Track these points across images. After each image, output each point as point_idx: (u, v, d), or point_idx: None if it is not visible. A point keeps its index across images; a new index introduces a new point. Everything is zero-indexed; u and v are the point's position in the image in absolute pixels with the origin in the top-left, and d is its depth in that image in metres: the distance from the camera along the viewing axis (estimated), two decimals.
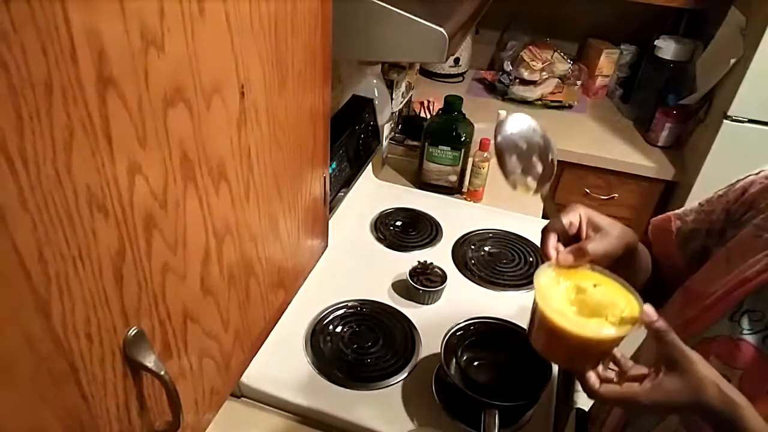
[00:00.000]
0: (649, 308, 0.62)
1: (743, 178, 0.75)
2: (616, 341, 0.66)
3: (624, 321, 0.65)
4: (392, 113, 1.67)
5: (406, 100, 1.79)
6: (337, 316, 1.18)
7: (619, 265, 0.84)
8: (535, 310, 0.71)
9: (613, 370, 0.67)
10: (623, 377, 0.64)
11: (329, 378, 1.04)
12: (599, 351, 0.67)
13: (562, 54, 2.10)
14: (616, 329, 0.65)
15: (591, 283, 0.72)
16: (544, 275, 0.74)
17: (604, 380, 0.65)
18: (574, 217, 0.74)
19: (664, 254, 0.84)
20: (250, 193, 0.58)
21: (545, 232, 0.73)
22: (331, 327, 1.15)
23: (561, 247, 0.73)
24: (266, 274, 0.67)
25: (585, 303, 0.69)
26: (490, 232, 1.47)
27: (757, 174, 0.73)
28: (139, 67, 0.38)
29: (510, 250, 1.41)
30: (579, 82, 2.13)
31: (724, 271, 0.67)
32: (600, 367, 0.67)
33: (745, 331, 0.63)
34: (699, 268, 0.77)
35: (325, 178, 0.80)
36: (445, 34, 0.88)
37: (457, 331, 1.08)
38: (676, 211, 0.85)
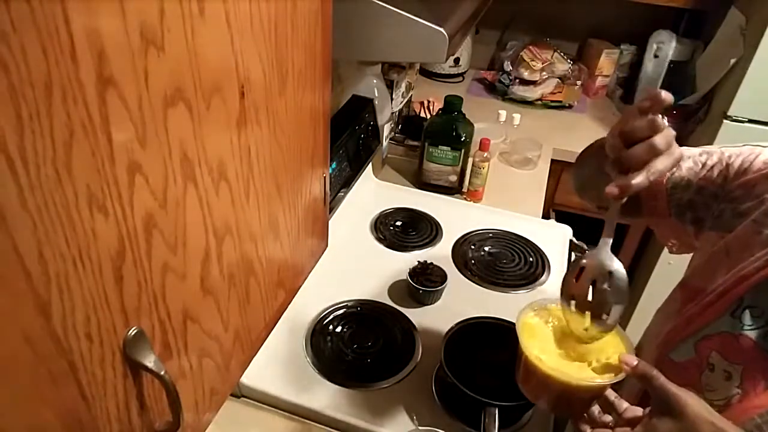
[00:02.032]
0: (625, 356, 0.62)
1: (747, 147, 0.71)
2: (601, 388, 0.64)
3: (609, 368, 0.64)
4: (392, 113, 1.67)
5: (406, 100, 1.79)
6: (337, 316, 1.18)
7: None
8: (519, 350, 0.69)
9: (609, 414, 0.66)
10: (619, 421, 0.64)
11: (329, 378, 1.04)
12: (585, 397, 0.66)
13: (562, 54, 2.10)
14: (600, 377, 0.64)
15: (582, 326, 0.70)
16: (531, 312, 0.72)
17: (601, 425, 0.65)
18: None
19: (650, 194, 0.80)
20: (250, 193, 0.58)
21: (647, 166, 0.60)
22: (331, 327, 1.15)
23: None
24: (266, 274, 0.67)
25: (572, 345, 0.68)
26: (490, 232, 1.47)
27: (763, 147, 0.70)
28: (139, 67, 0.38)
29: (510, 250, 1.41)
30: (579, 82, 2.13)
31: (724, 266, 0.67)
32: (596, 410, 0.67)
33: (746, 327, 0.63)
34: (679, 217, 0.76)
35: (325, 178, 0.80)
36: (445, 34, 0.88)
37: (457, 331, 1.08)
38: None
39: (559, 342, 0.69)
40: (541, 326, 0.72)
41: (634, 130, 0.60)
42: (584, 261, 0.67)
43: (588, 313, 0.67)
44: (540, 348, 0.68)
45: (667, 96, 0.60)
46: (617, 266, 0.66)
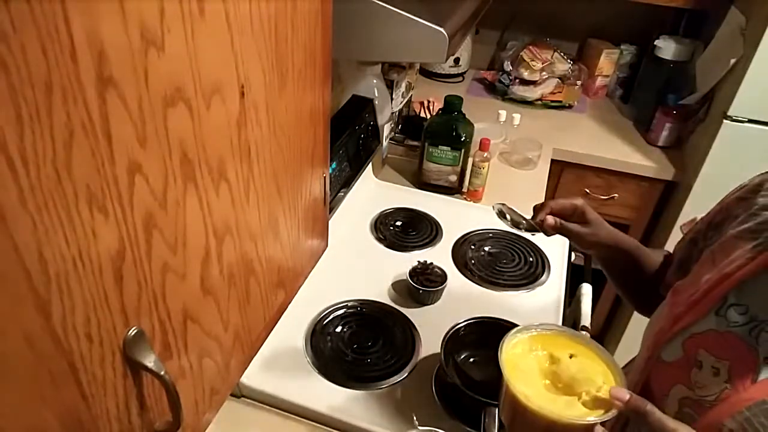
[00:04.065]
0: (617, 390, 0.60)
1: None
2: (592, 426, 0.60)
3: (599, 402, 0.60)
4: (392, 113, 1.67)
5: (406, 100, 1.79)
6: (337, 316, 1.18)
7: (616, 265, 0.89)
8: (504, 384, 0.65)
9: None
10: None
11: (329, 378, 1.04)
12: None
13: (562, 54, 2.10)
14: (591, 413, 0.60)
15: (567, 353, 0.66)
16: (515, 340, 0.68)
17: None
18: (571, 202, 0.85)
19: (667, 284, 0.85)
20: (250, 193, 0.58)
21: (543, 203, 0.86)
22: (331, 327, 1.15)
23: (550, 219, 0.84)
24: (266, 274, 0.67)
25: (558, 376, 0.64)
26: (490, 232, 1.47)
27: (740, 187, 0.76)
28: (139, 67, 0.38)
29: (510, 250, 1.41)
30: (579, 82, 2.13)
31: (710, 271, 0.69)
32: None
33: (731, 324, 0.64)
34: (686, 273, 0.79)
35: (325, 178, 0.80)
36: (445, 34, 0.88)
37: (457, 331, 1.08)
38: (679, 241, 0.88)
39: (544, 373, 0.65)
40: (524, 356, 0.67)
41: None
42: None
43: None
44: (525, 381, 0.63)
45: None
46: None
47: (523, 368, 0.66)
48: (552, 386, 0.64)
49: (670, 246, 0.92)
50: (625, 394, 0.60)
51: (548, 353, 0.67)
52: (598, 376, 0.63)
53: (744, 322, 0.63)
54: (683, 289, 0.73)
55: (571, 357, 0.66)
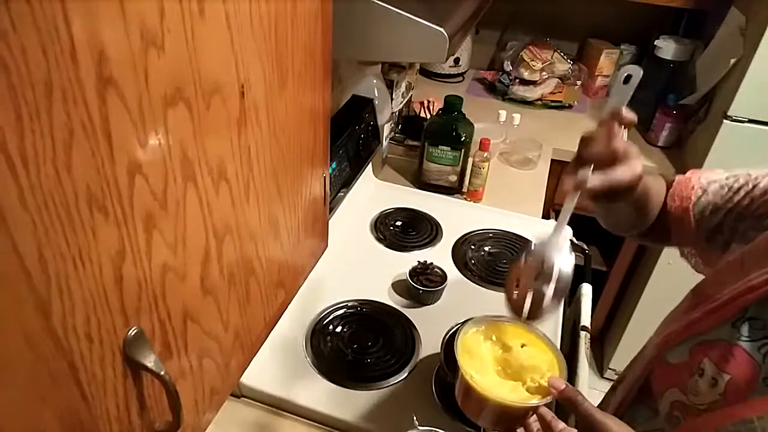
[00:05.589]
0: (554, 380, 0.64)
1: None
2: (533, 408, 0.65)
3: (540, 389, 0.65)
4: (392, 113, 1.67)
5: (406, 100, 1.79)
6: (337, 316, 1.18)
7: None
8: (458, 369, 0.69)
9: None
10: None
11: (329, 378, 1.04)
12: (519, 416, 0.66)
13: (562, 54, 2.10)
14: (532, 397, 0.65)
15: (519, 343, 0.70)
16: (473, 329, 0.73)
17: None
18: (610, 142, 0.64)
19: (678, 218, 0.79)
20: (250, 193, 0.58)
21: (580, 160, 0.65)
22: (331, 327, 1.15)
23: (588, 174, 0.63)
24: (266, 274, 0.67)
25: (509, 363, 0.68)
26: (490, 232, 1.47)
27: None
28: (139, 67, 0.38)
29: (510, 250, 1.41)
30: (579, 82, 2.13)
31: (737, 276, 0.66)
32: (536, 426, 0.67)
33: (742, 338, 0.62)
34: (711, 242, 0.75)
35: (325, 178, 0.80)
36: (445, 34, 0.88)
37: (457, 331, 1.08)
38: (700, 177, 0.78)
39: (497, 360, 0.69)
40: (479, 344, 0.71)
41: (593, 134, 0.65)
42: (533, 247, 0.69)
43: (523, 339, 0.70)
44: (477, 367, 0.68)
45: (628, 113, 0.63)
46: (562, 262, 0.67)
47: (477, 354, 0.70)
48: (502, 372, 0.68)
49: (669, 249, 0.89)
50: (561, 384, 0.64)
51: (502, 342, 0.71)
52: (544, 365, 0.68)
53: (756, 337, 0.61)
54: (705, 292, 0.70)
55: (522, 346, 0.70)
